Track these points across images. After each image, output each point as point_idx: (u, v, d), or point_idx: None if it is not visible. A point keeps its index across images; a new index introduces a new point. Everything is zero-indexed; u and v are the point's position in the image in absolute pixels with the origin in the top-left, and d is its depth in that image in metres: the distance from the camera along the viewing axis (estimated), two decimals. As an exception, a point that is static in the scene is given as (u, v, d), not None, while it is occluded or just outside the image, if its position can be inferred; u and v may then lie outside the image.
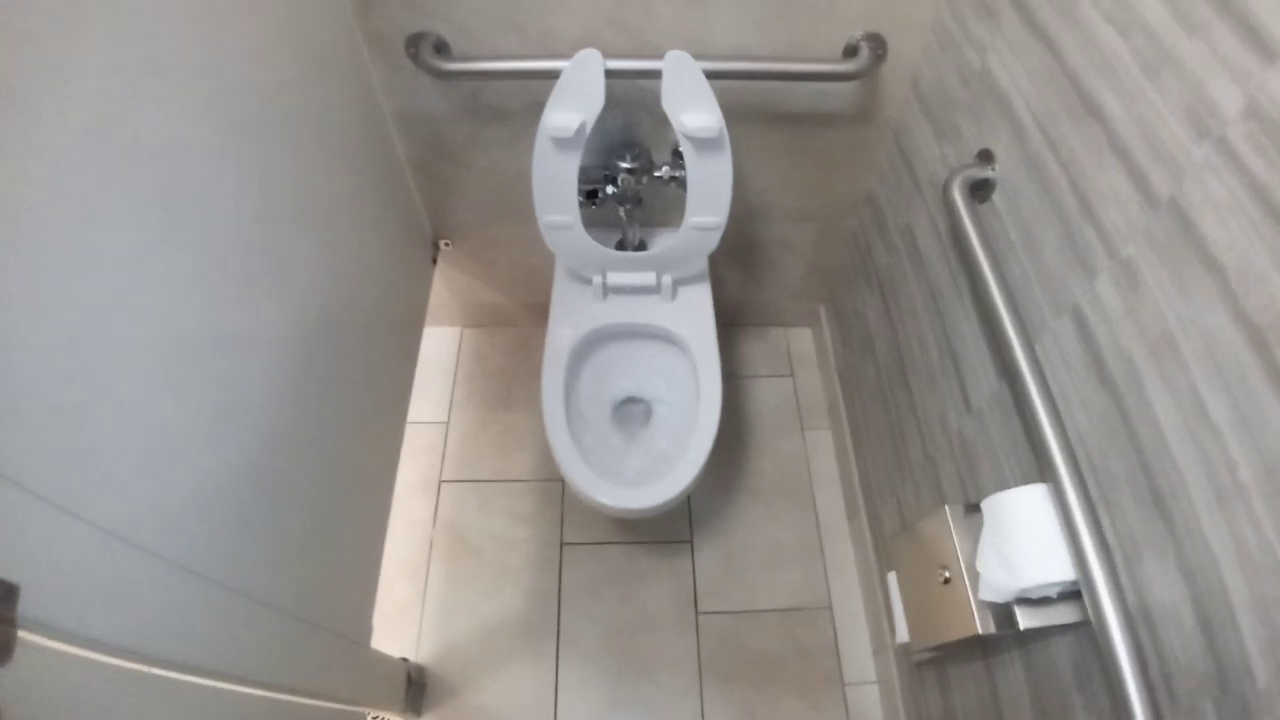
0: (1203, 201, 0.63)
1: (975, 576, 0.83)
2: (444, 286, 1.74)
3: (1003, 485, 0.96)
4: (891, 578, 1.04)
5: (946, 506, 0.89)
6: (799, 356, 1.94)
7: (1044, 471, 0.77)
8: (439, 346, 1.88)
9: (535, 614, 1.55)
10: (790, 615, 1.56)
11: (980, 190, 0.99)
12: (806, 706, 1.47)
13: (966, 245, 0.92)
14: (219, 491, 0.77)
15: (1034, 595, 0.78)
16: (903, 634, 0.99)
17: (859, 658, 1.53)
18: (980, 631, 0.81)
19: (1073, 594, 0.78)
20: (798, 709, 1.47)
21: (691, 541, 1.64)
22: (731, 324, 1.94)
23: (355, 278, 1.16)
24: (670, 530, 1.65)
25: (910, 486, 1.31)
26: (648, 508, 1.21)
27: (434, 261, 1.59)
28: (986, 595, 0.81)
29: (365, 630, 1.18)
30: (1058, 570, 0.74)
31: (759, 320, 1.96)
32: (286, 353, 0.92)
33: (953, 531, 0.87)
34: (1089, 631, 0.78)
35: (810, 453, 1.78)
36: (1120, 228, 0.73)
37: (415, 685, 1.40)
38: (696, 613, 1.56)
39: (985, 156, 0.99)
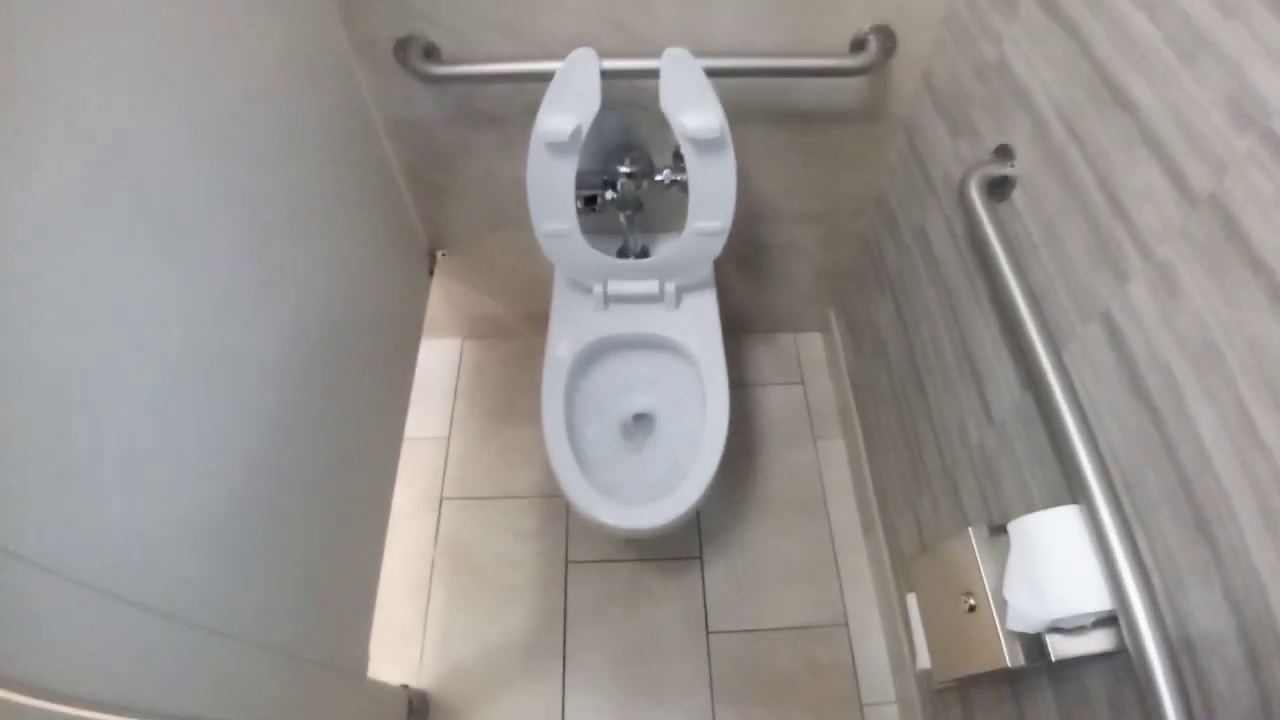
0: (1246, 198, 0.57)
1: (1003, 604, 0.77)
2: (442, 298, 1.70)
3: (1029, 503, 0.90)
4: (911, 600, 0.98)
5: (970, 529, 0.83)
6: (809, 362, 1.88)
7: (1075, 491, 0.71)
8: (439, 359, 1.84)
9: (540, 635, 1.49)
10: (805, 633, 1.50)
11: (998, 189, 0.94)
12: (823, 729, 1.41)
13: (985, 246, 0.87)
14: (202, 523, 0.73)
15: (1067, 625, 0.72)
16: (924, 660, 0.93)
17: (877, 677, 1.46)
18: (1009, 665, 0.75)
19: (1108, 619, 0.72)
20: (814, 732, 1.41)
21: (701, 558, 1.58)
22: (739, 331, 1.89)
23: (350, 290, 1.12)
24: (679, 547, 1.59)
25: (928, 499, 1.25)
26: (654, 527, 1.16)
27: (431, 272, 1.55)
28: (1015, 625, 0.75)
29: (362, 659, 1.13)
30: (1092, 599, 0.68)
31: (767, 326, 1.90)
32: (277, 370, 0.88)
33: (978, 556, 0.81)
34: (1126, 659, 0.72)
35: (823, 463, 1.72)
36: (1155, 227, 0.68)
37: (417, 713, 1.36)
38: (707, 632, 1.50)
39: (1004, 152, 0.93)
